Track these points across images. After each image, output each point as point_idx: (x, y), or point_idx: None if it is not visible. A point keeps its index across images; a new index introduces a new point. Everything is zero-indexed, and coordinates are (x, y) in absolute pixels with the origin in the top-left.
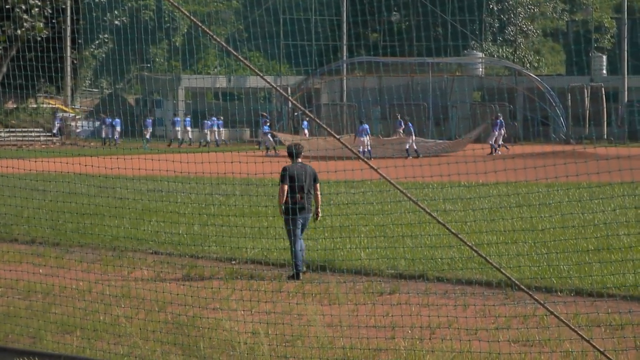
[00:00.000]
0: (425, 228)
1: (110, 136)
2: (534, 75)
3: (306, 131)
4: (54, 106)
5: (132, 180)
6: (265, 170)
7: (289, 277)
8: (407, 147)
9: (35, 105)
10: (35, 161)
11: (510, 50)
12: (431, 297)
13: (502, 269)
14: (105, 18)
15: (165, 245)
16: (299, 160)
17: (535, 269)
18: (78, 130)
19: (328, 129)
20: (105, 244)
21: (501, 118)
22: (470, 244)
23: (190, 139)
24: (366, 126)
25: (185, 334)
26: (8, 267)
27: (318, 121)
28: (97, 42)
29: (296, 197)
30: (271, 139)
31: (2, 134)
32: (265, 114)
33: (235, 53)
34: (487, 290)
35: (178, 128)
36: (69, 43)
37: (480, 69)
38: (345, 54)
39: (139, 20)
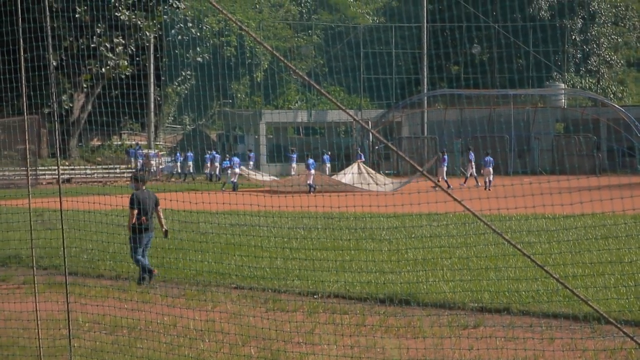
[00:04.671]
0: (509, 261)
1: (186, 171)
2: (617, 106)
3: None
4: (136, 142)
5: (215, 215)
6: (348, 203)
7: (138, 282)
8: (439, 178)
9: (120, 142)
10: (122, 197)
11: (594, 81)
12: (516, 331)
13: (588, 302)
14: (187, 55)
15: (248, 279)
16: (144, 187)
17: (622, 301)
18: (161, 167)
19: (412, 162)
20: (189, 278)
21: (471, 151)
22: (556, 277)
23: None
24: (491, 159)
25: None
26: (94, 302)
27: (401, 154)
28: (180, 78)
29: (142, 219)
30: (230, 176)
31: (88, 171)
32: (293, 148)
33: (318, 87)
34: (573, 324)
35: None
36: (152, 80)
37: (563, 100)
38: (426, 86)
39: (221, 57)
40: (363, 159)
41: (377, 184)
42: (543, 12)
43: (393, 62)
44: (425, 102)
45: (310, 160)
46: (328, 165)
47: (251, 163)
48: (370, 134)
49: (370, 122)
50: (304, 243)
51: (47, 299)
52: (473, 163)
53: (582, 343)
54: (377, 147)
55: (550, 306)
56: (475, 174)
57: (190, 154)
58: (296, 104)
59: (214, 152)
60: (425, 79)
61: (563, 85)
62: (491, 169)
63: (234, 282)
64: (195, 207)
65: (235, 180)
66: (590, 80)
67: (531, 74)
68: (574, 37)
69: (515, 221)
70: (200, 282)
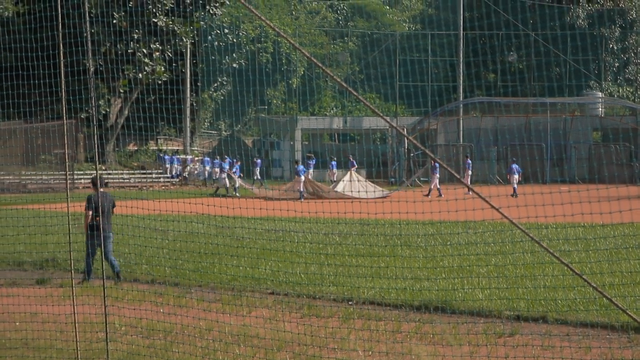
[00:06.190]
0: (546, 269)
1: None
2: None
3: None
4: (174, 148)
5: (250, 221)
6: (385, 209)
7: (80, 282)
8: (432, 186)
9: (156, 147)
10: (160, 201)
11: (631, 90)
12: (552, 340)
13: (627, 311)
14: (224, 61)
15: (283, 285)
16: (101, 189)
17: None
18: (196, 172)
19: (449, 169)
20: (224, 284)
21: (469, 159)
22: (594, 285)
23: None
24: (517, 166)
25: None
26: (130, 306)
27: (438, 160)
28: (216, 84)
29: (96, 219)
30: (226, 180)
31: (124, 176)
32: (310, 154)
33: (355, 93)
34: (610, 333)
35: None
36: (189, 86)
37: (600, 109)
38: (462, 94)
39: (257, 63)
40: (355, 167)
41: (367, 192)
42: (581, 21)
43: (429, 69)
44: (461, 109)
45: (300, 167)
46: (335, 171)
47: (257, 170)
48: (406, 141)
49: (405, 129)
50: (339, 249)
51: (84, 302)
52: (470, 171)
53: (619, 353)
54: (412, 154)
55: (587, 315)
56: (468, 183)
57: (207, 159)
58: (332, 111)
59: (228, 159)
60: (461, 87)
61: (600, 93)
62: (517, 176)
63: (269, 287)
64: (232, 213)
65: (236, 185)
66: (628, 89)
67: (568, 82)
68: (611, 45)
69: (552, 229)
70: (236, 287)
